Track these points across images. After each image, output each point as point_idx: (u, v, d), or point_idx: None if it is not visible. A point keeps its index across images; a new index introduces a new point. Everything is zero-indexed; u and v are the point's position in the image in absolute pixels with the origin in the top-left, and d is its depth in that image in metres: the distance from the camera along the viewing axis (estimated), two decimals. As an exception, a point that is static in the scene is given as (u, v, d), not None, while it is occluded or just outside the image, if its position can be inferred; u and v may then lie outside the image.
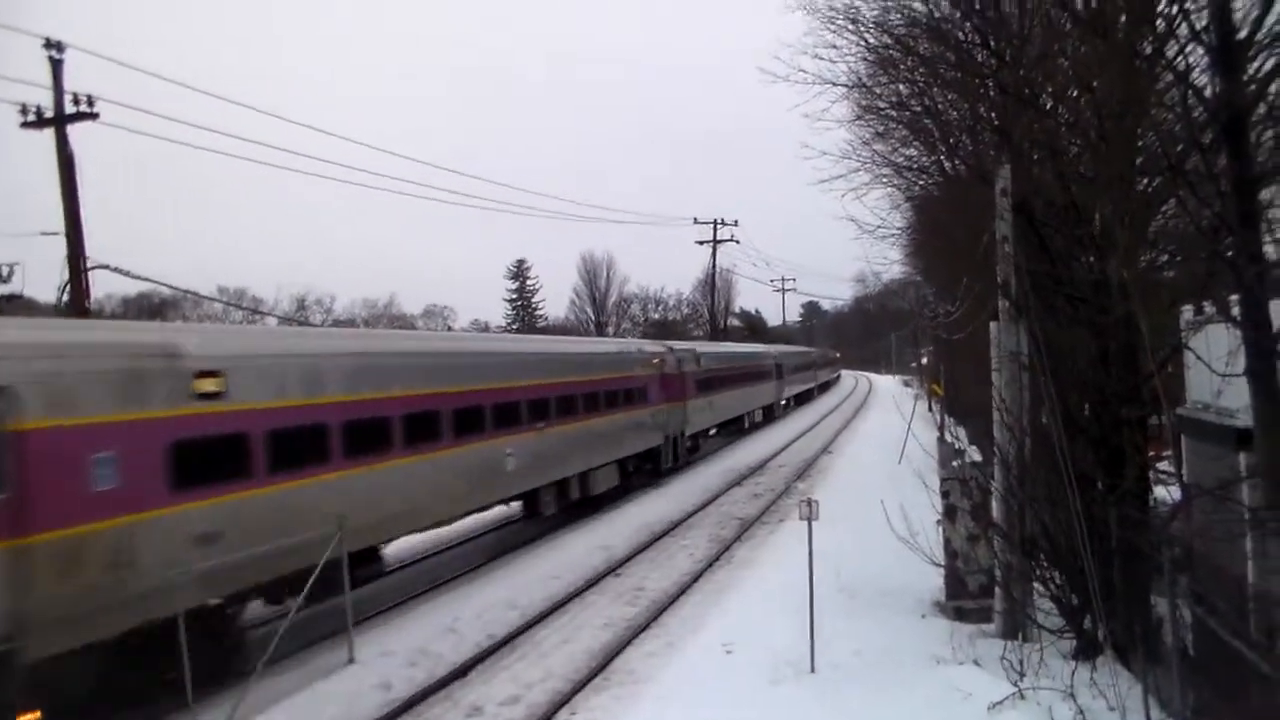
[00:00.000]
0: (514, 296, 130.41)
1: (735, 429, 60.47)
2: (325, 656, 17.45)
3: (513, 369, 27.44)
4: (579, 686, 16.04)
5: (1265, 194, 10.62)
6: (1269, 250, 10.65)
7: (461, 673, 17.01)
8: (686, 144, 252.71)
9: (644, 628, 19.34)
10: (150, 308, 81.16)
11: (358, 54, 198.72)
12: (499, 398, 25.50)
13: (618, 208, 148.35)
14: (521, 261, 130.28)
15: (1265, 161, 10.57)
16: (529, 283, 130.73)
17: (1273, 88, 10.86)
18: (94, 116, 26.84)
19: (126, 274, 27.22)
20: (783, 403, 79.66)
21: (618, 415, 35.07)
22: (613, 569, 24.65)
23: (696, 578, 23.47)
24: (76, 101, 26.79)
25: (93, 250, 26.74)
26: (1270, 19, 10.57)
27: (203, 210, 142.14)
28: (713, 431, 55.44)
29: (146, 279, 34.49)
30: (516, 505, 29.78)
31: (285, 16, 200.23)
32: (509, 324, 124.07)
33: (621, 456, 35.72)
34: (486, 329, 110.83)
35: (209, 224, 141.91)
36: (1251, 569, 12.48)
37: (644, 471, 39.09)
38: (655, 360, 40.35)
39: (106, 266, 26.82)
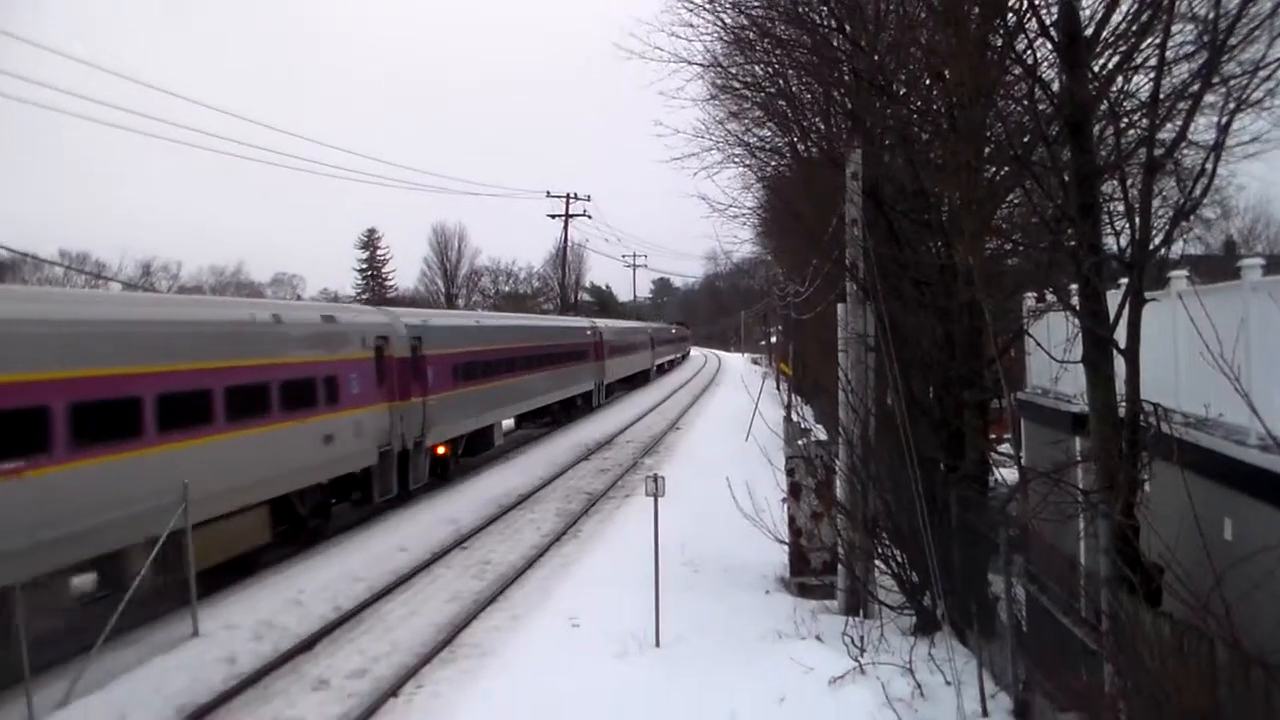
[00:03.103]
0: (364, 266, 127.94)
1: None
2: (168, 630, 16.89)
3: None
4: (425, 660, 15.88)
5: (1105, 187, 10.97)
6: (1107, 242, 11.00)
7: (307, 645, 16.71)
8: (542, 117, 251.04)
9: (490, 601, 19.24)
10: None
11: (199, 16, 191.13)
12: None
13: (471, 179, 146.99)
14: (372, 231, 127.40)
15: (1106, 156, 10.91)
16: (379, 253, 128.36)
17: (1115, 85, 11.22)
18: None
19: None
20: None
21: None
22: (460, 542, 24.50)
23: (543, 551, 23.47)
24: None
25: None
26: (1115, 18, 10.92)
27: (48, 173, 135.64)
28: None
29: (-21, 239, 33.00)
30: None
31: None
32: (359, 294, 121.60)
33: None
34: (336, 298, 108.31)
35: (53, 188, 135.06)
36: (1082, 549, 12.93)
37: None
38: None
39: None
